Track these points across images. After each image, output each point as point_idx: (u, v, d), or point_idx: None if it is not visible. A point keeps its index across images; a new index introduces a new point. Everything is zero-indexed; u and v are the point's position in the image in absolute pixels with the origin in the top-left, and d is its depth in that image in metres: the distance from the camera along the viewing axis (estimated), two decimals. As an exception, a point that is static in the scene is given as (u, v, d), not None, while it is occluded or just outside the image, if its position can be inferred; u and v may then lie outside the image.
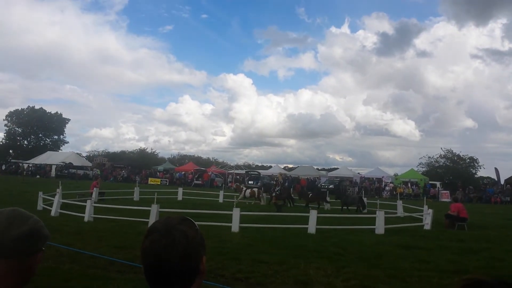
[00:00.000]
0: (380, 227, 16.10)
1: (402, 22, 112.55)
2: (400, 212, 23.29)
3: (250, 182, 54.06)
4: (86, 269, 7.95)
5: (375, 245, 13.05)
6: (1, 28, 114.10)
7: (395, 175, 59.12)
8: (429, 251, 12.31)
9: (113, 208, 18.13)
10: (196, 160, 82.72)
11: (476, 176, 60.88)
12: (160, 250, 1.43)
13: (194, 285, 1.47)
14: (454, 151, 62.79)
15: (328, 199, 27.25)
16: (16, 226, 1.48)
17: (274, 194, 24.58)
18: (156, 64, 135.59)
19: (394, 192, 44.40)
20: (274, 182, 26.94)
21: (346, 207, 25.01)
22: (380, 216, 16.41)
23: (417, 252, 12.07)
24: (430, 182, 51.26)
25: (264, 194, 28.13)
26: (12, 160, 73.79)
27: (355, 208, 24.60)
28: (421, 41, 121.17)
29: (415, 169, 59.36)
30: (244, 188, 29.23)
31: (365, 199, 25.72)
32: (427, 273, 9.32)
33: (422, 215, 19.93)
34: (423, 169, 62.86)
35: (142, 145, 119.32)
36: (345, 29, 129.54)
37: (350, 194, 29.52)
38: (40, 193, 19.81)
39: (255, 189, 29.02)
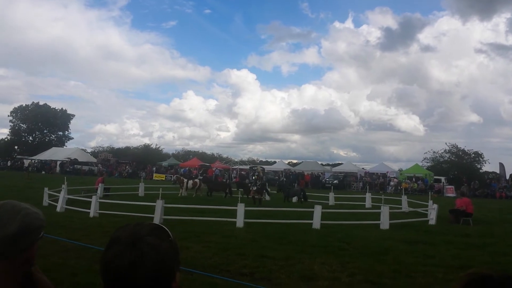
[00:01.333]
0: (385, 222, 16.09)
1: (406, 17, 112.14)
2: (405, 207, 23.26)
3: (253, 177, 54.15)
4: (92, 264, 7.99)
5: (380, 240, 13.04)
6: (5, 25, 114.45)
7: (400, 170, 58.98)
8: (434, 246, 12.29)
9: (118, 204, 18.20)
10: (201, 155, 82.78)
11: (481, 171, 60.68)
12: (124, 266, 1.20)
13: None
14: (459, 146, 62.70)
15: (269, 190, 28.62)
16: (3, 227, 1.39)
17: (254, 188, 24.48)
18: (160, 60, 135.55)
19: (399, 187, 44.30)
20: (256, 176, 26.77)
21: (288, 199, 26.29)
22: (384, 211, 16.39)
23: (422, 247, 12.06)
24: (435, 177, 51.13)
25: (203, 184, 28.54)
26: (17, 156, 74.14)
27: (298, 199, 25.88)
28: (425, 36, 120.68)
29: (420, 164, 59.25)
30: (185, 180, 29.06)
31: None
32: (432, 268, 9.32)
33: (427, 210, 19.89)
34: (428, 164, 62.73)
35: (146, 141, 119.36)
36: (348, 24, 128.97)
37: (292, 186, 29.74)
38: (46, 189, 19.91)
39: (197, 180, 28.96)
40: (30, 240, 1.46)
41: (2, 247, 1.38)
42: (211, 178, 30.20)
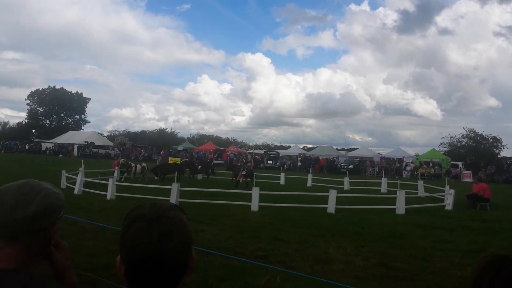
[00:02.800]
0: (400, 207, 15.99)
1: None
2: (421, 192, 23.08)
3: (269, 162, 54.21)
4: (109, 245, 8.11)
5: (396, 225, 12.99)
6: (21, 9, 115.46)
7: (416, 155, 58.34)
8: (451, 231, 12.19)
9: (135, 186, 18.39)
10: (215, 140, 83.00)
11: (499, 156, 59.72)
12: (154, 240, 1.20)
13: (181, 284, 1.28)
14: (476, 131, 61.63)
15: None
16: (23, 206, 1.39)
17: (244, 173, 24.41)
18: (174, 44, 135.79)
19: (416, 173, 43.91)
20: (244, 161, 26.79)
21: (235, 178, 25.51)
22: (400, 196, 16.28)
23: (438, 232, 11.98)
24: (452, 162, 50.53)
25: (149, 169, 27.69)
26: (35, 140, 75.26)
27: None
28: (442, 19, 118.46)
29: (437, 149, 58.55)
30: (133, 165, 28.09)
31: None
32: (448, 253, 9.26)
33: (443, 196, 19.70)
34: (445, 149, 61.95)
35: (162, 125, 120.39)
36: (365, 6, 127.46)
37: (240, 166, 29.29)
38: (63, 172, 20.22)
39: (144, 165, 28.09)
40: (50, 220, 1.46)
41: (22, 227, 1.38)
42: (190, 162, 29.52)
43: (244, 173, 24.42)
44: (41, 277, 1.46)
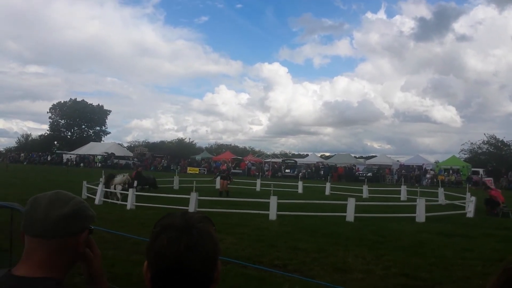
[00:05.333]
0: (420, 215, 15.78)
1: (440, 6, 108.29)
2: (441, 199, 22.72)
3: (287, 170, 54.07)
4: (129, 255, 8.21)
5: (416, 233, 12.82)
6: (44, 24, 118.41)
7: (436, 162, 57.51)
8: (472, 239, 11.98)
9: (154, 196, 18.57)
10: (233, 149, 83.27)
11: (521, 162, 58.48)
12: (181, 250, 1.21)
13: None
14: (497, 137, 60.56)
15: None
16: (57, 207, 1.47)
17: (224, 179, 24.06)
18: (193, 55, 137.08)
19: (435, 180, 43.23)
20: (225, 168, 26.52)
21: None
22: (420, 203, 16.07)
23: (460, 240, 11.78)
24: (473, 169, 49.65)
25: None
26: (56, 151, 76.65)
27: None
28: (460, 25, 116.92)
29: (457, 156, 57.62)
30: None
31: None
32: (470, 262, 9.10)
33: (464, 203, 19.37)
34: (465, 155, 60.99)
35: (180, 135, 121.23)
36: (381, 14, 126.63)
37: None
38: (84, 182, 20.53)
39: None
40: (81, 225, 1.52)
41: (55, 226, 1.46)
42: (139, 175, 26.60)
43: (224, 179, 24.09)
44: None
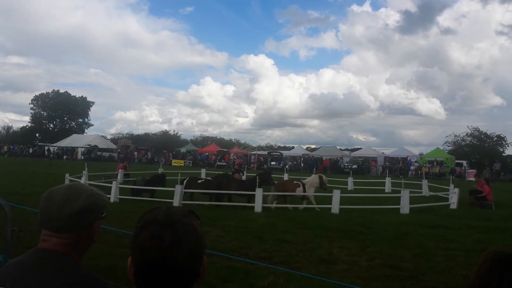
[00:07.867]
0: (405, 207, 15.92)
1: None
2: (425, 191, 22.98)
3: (272, 163, 54.16)
4: (112, 248, 8.10)
5: (400, 225, 12.92)
6: (26, 14, 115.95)
7: (420, 154, 58.20)
8: (455, 231, 12.12)
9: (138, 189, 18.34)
10: (219, 141, 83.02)
11: (503, 154, 59.50)
12: (165, 246, 1.20)
13: None
14: (481, 129, 61.45)
15: None
16: (69, 204, 1.58)
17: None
18: (178, 46, 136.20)
19: (419, 172, 43.74)
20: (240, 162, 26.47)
21: None
22: (404, 195, 16.21)
23: (443, 232, 11.91)
24: (457, 161, 50.36)
25: None
26: (38, 144, 75.47)
27: None
28: (444, 18, 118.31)
29: (441, 148, 58.39)
30: None
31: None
32: (453, 252, 9.20)
33: (448, 195, 19.62)
34: (449, 148, 61.78)
35: (165, 127, 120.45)
36: (367, 7, 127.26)
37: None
38: (67, 175, 20.23)
39: None
40: (92, 218, 1.65)
41: (69, 222, 1.58)
42: None
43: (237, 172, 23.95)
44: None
